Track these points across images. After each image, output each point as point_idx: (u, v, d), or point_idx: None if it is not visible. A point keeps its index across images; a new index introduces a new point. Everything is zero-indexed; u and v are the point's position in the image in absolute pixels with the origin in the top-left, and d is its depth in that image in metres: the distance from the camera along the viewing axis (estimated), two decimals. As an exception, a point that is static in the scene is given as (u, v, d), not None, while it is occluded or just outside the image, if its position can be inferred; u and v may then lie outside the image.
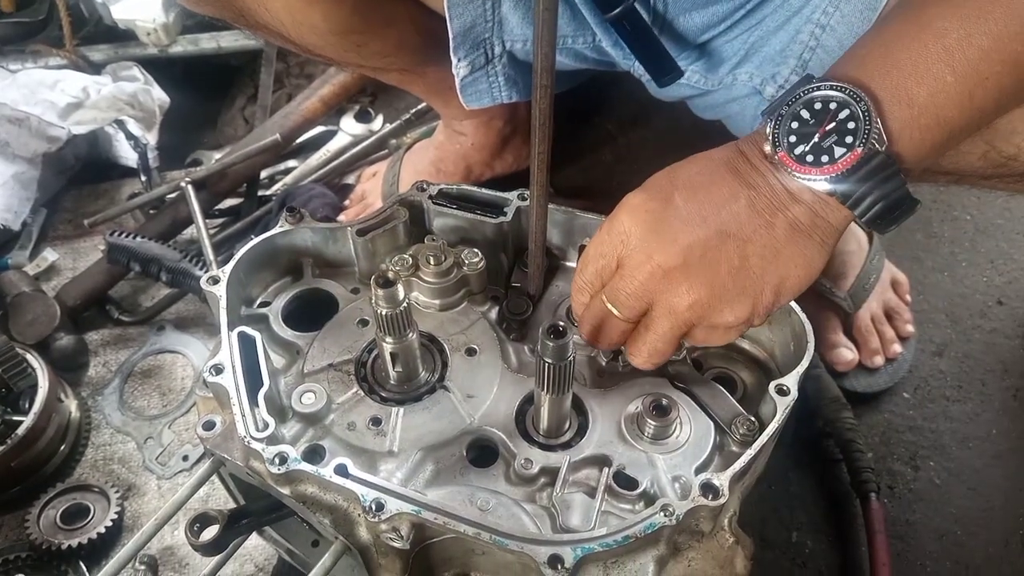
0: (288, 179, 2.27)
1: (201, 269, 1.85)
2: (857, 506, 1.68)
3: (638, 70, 1.58)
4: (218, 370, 1.07)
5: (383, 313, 1.03)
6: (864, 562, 1.62)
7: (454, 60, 1.47)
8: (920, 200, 1.00)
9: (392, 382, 1.15)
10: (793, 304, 1.13)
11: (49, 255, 2.10)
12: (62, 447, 1.74)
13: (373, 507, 0.95)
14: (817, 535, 1.68)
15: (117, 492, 1.65)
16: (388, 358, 1.11)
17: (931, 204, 2.23)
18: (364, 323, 1.22)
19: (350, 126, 2.41)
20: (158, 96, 2.27)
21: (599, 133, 2.34)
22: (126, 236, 1.90)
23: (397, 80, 1.84)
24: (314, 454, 1.09)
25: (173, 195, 2.09)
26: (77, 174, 2.30)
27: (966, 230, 2.18)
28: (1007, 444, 1.80)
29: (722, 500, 0.97)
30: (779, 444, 1.12)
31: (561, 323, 0.95)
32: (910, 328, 1.92)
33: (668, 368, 1.17)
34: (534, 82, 0.96)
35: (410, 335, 1.09)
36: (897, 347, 1.88)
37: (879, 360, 1.86)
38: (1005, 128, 1.10)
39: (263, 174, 2.25)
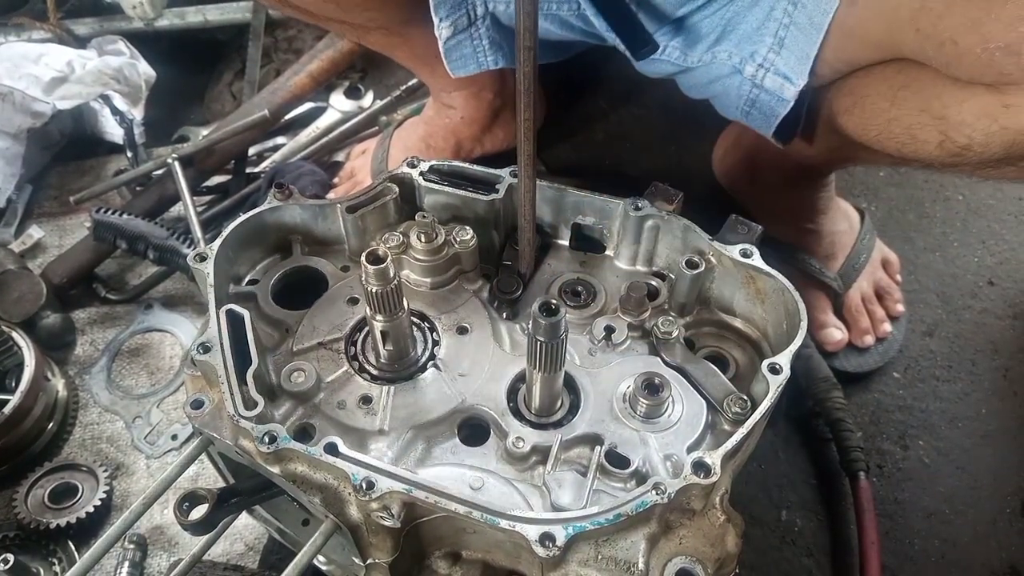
0: (277, 156, 2.25)
1: (188, 247, 1.83)
2: (846, 485, 1.69)
3: (621, 44, 1.56)
4: (206, 348, 1.06)
5: (374, 291, 1.02)
6: (853, 540, 1.63)
7: (436, 20, 1.45)
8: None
9: (383, 360, 1.14)
10: (786, 282, 1.13)
11: (35, 232, 2.07)
12: (49, 426, 1.73)
13: (364, 486, 0.94)
14: (807, 513, 1.69)
15: (105, 471, 1.64)
16: (379, 336, 1.10)
17: (923, 184, 2.23)
18: (354, 301, 1.21)
19: (340, 102, 2.38)
20: (144, 71, 2.23)
21: (591, 110, 2.32)
22: (112, 213, 1.87)
23: (381, 43, 1.81)
24: (304, 433, 1.08)
25: (160, 172, 2.07)
26: (62, 150, 2.27)
27: (958, 211, 2.18)
28: (996, 424, 1.81)
29: (714, 478, 0.96)
30: (769, 423, 1.12)
31: (553, 301, 0.94)
32: (900, 308, 1.92)
33: (660, 346, 1.17)
34: (517, 43, 0.94)
35: (401, 313, 1.08)
36: (887, 327, 1.89)
37: (869, 340, 1.86)
38: (956, 120, 1.16)
39: (251, 151, 2.22)
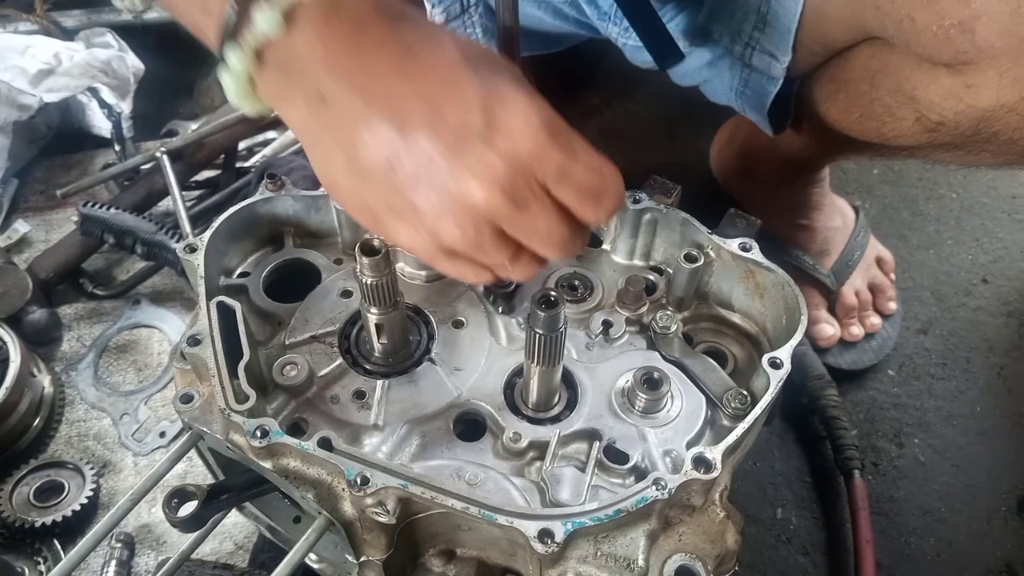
0: (267, 151, 2.22)
1: (177, 242, 1.80)
2: (841, 483, 1.68)
3: (612, 33, 1.55)
4: (196, 341, 1.03)
5: (368, 282, 1.00)
6: (848, 538, 1.62)
7: (428, 7, 1.44)
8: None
9: (377, 354, 1.12)
10: (786, 277, 1.12)
11: (20, 227, 2.04)
12: (35, 423, 1.69)
13: (358, 481, 0.92)
14: (802, 512, 1.68)
15: (92, 469, 1.61)
16: (373, 329, 1.08)
17: (917, 182, 2.23)
18: (347, 294, 1.19)
19: (331, 97, 2.35)
20: (133, 63, 2.20)
21: (585, 106, 2.31)
22: (100, 207, 1.84)
23: None
24: (296, 428, 1.06)
25: (148, 166, 2.03)
26: (49, 144, 2.23)
27: (951, 208, 2.18)
28: (991, 422, 1.81)
29: (715, 474, 0.95)
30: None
31: (552, 293, 0.93)
32: (893, 305, 1.92)
33: (659, 341, 1.16)
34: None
35: (396, 306, 1.06)
36: (875, 319, 1.88)
37: (856, 331, 1.86)
38: (925, 100, 1.21)
39: (241, 146, 2.19)
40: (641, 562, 0.94)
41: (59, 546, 1.53)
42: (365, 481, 0.92)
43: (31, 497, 1.56)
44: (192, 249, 1.13)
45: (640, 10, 1.34)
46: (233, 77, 0.81)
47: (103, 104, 2.11)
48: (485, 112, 0.79)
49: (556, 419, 1.07)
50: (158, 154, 1.98)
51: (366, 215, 0.86)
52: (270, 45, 0.79)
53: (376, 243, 0.98)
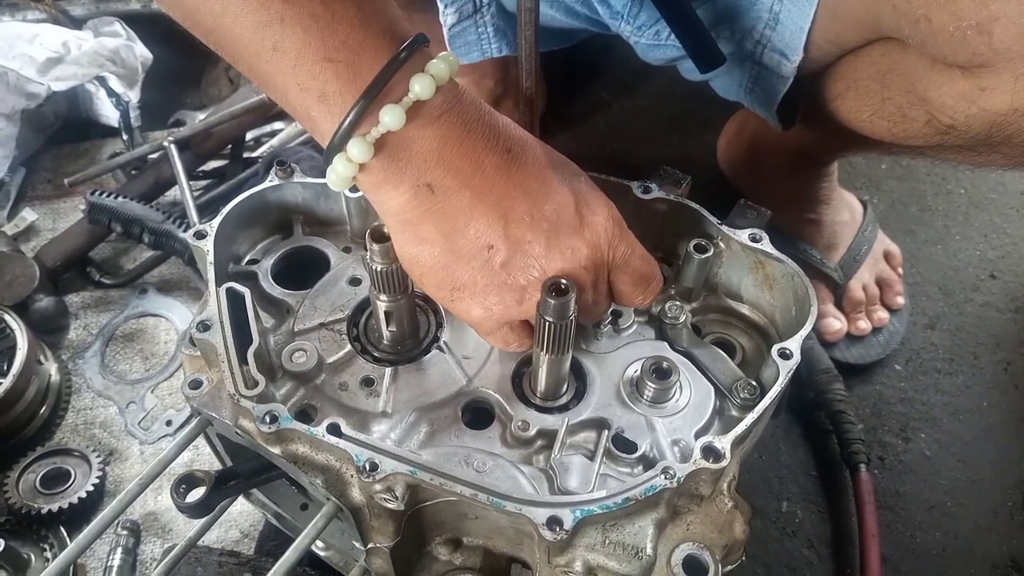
0: (274, 141, 2.22)
1: (184, 231, 1.81)
2: (847, 477, 1.68)
3: (625, 32, 1.55)
4: (205, 327, 1.03)
5: (378, 269, 1.00)
6: (854, 532, 1.62)
7: (441, 6, 1.44)
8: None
9: (385, 342, 1.12)
10: (796, 267, 1.12)
11: (28, 215, 2.04)
12: (42, 410, 1.70)
13: (367, 467, 0.92)
14: (807, 505, 1.68)
15: (98, 457, 1.62)
16: (382, 317, 1.08)
17: (925, 177, 2.23)
18: (356, 282, 1.19)
19: (338, 88, 2.34)
20: (141, 53, 2.20)
21: (592, 100, 2.30)
22: (107, 196, 1.84)
23: None
24: (305, 415, 1.06)
25: (156, 155, 2.04)
26: (57, 132, 2.23)
27: (960, 204, 2.18)
28: (997, 417, 1.81)
29: (723, 463, 0.94)
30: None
31: (563, 281, 0.92)
32: (901, 300, 1.91)
33: (668, 331, 1.15)
34: (519, 4, 0.93)
35: (405, 293, 1.06)
36: (883, 314, 1.88)
37: (864, 325, 1.85)
38: (937, 102, 1.20)
39: (248, 136, 2.19)
40: (649, 550, 0.93)
41: (65, 533, 1.54)
42: (374, 467, 0.92)
43: (37, 484, 1.57)
44: (202, 235, 1.13)
45: (681, 15, 1.34)
46: (347, 165, 0.87)
47: (111, 93, 2.11)
48: (574, 208, 0.95)
49: (564, 408, 1.07)
50: (166, 143, 1.98)
51: (444, 289, 0.97)
52: (388, 137, 0.86)
53: (386, 230, 0.98)
